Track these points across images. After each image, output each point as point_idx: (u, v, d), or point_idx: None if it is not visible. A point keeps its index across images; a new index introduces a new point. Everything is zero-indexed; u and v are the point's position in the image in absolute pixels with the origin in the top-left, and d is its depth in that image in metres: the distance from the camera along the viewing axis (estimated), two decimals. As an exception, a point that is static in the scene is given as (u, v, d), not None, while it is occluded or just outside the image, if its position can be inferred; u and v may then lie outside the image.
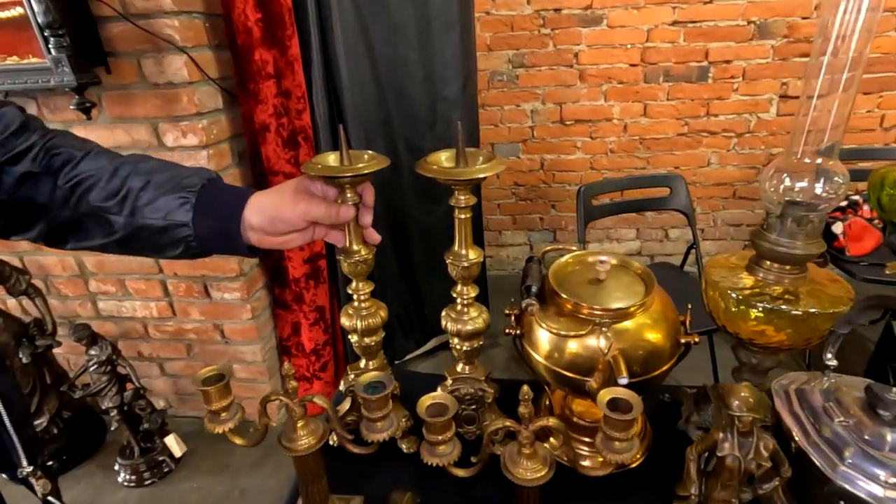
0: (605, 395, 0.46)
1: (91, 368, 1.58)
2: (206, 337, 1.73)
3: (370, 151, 0.61)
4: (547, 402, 0.76)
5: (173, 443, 1.72)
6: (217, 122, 1.45)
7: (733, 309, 0.60)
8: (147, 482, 1.67)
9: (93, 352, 1.57)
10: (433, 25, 1.67)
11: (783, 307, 0.56)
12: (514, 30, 2.36)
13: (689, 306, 0.64)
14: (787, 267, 0.58)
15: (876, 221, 1.99)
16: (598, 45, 2.34)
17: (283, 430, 0.55)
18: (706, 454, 0.49)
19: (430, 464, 0.49)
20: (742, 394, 0.44)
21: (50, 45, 1.15)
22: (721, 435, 0.45)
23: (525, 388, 0.46)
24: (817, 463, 0.41)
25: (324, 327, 1.79)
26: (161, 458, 1.69)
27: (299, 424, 0.55)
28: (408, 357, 2.09)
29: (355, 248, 0.64)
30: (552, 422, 0.48)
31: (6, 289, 1.55)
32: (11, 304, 1.73)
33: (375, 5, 1.55)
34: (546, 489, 0.61)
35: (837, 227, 1.82)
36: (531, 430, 0.48)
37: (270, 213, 0.52)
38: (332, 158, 0.60)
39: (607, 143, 2.53)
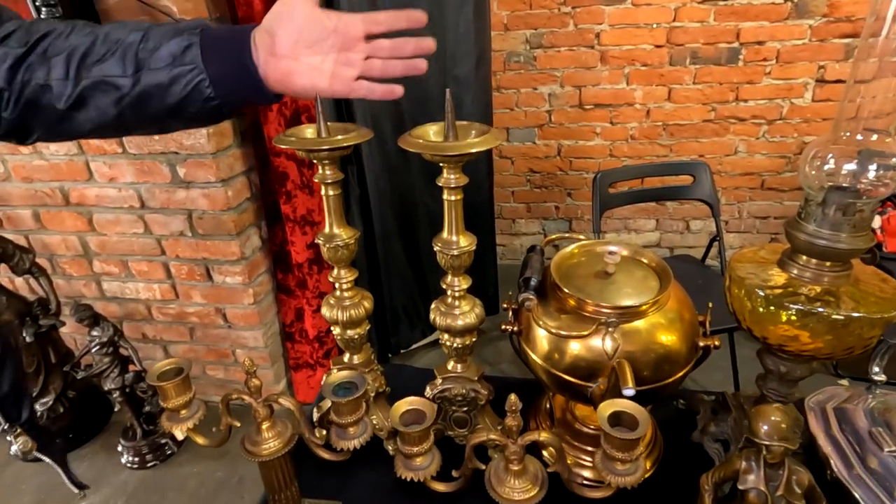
0: (607, 408, 0.40)
1: (93, 349, 1.57)
2: (209, 321, 1.71)
3: (353, 125, 0.54)
4: (547, 406, 0.70)
5: (175, 426, 1.71)
6: (217, 100, 1.40)
7: (762, 310, 0.52)
8: (149, 464, 1.67)
9: (95, 333, 1.55)
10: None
11: (821, 310, 0.49)
12: (533, 8, 2.24)
13: (710, 305, 0.57)
14: (828, 263, 0.50)
15: (917, 216, 1.86)
16: (622, 24, 2.21)
17: (245, 432, 0.50)
18: (725, 483, 0.42)
19: (404, 478, 0.43)
20: (773, 417, 0.37)
21: (41, 16, 1.11)
22: (744, 464, 0.38)
23: (513, 397, 0.40)
24: (860, 500, 0.34)
25: (327, 314, 1.75)
26: (163, 441, 1.69)
27: (264, 426, 0.49)
28: (413, 347, 2.04)
29: (336, 231, 0.57)
30: (544, 436, 0.42)
31: (10, 267, 1.54)
32: (19, 283, 1.72)
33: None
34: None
35: (875, 221, 1.70)
36: (520, 445, 0.42)
37: (275, 19, 0.46)
38: (309, 132, 0.54)
39: (628, 129, 2.41)
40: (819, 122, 2.28)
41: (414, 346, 2.04)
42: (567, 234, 0.63)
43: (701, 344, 0.55)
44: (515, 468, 0.43)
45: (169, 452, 1.70)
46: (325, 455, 0.48)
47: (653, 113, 2.36)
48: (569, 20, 2.24)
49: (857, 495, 0.35)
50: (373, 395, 0.64)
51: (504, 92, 2.43)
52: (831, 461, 0.37)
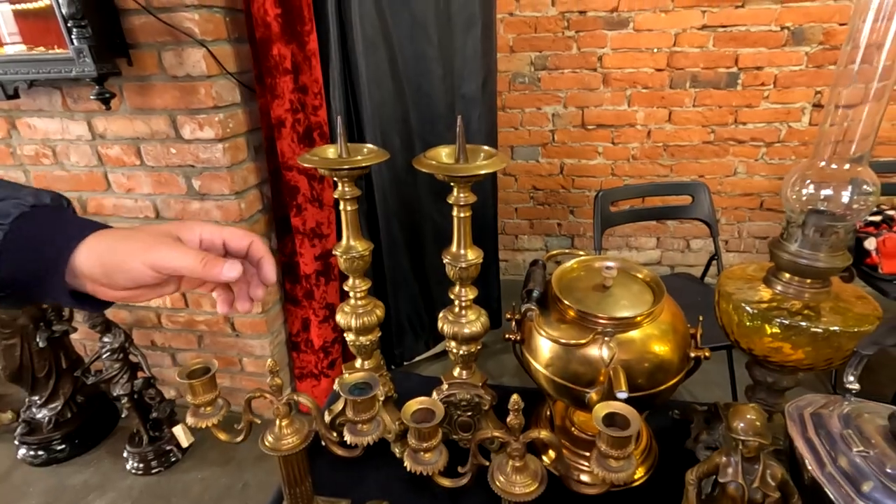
0: (602, 409, 0.43)
1: (104, 355, 1.60)
2: (217, 329, 1.75)
3: (370, 145, 0.59)
4: (548, 413, 0.73)
5: (181, 433, 1.73)
6: (234, 116, 1.46)
7: (748, 323, 0.56)
8: (154, 470, 1.69)
9: (106, 339, 1.59)
10: (454, 22, 1.66)
11: (802, 323, 0.52)
12: (538, 31, 2.32)
13: (701, 318, 0.61)
14: (808, 280, 0.54)
15: (912, 238, 1.89)
16: (624, 48, 2.29)
17: (266, 428, 0.54)
18: (708, 480, 0.46)
19: (414, 472, 0.46)
20: (748, 416, 0.40)
21: (73, 36, 1.17)
22: (724, 459, 0.42)
23: (515, 397, 0.44)
24: (831, 496, 0.37)
25: (333, 325, 1.78)
26: (168, 448, 1.71)
27: (283, 423, 0.53)
28: (417, 359, 2.07)
29: (352, 243, 0.62)
30: (545, 434, 0.45)
31: (26, 273, 1.58)
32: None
33: (397, 1, 1.54)
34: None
35: (870, 243, 1.73)
36: (522, 442, 0.45)
37: (109, 259, 0.40)
38: (330, 151, 0.58)
39: (630, 149, 2.47)
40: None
41: (418, 357, 2.07)
42: (568, 250, 0.67)
43: (692, 354, 0.59)
44: (517, 464, 0.46)
45: (174, 459, 1.72)
46: (340, 451, 0.52)
47: (654, 134, 2.42)
48: (572, 43, 2.32)
49: (828, 491, 0.38)
50: (381, 398, 0.68)
51: (509, 111, 2.49)
52: (806, 461, 0.40)
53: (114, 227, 0.43)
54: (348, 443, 0.49)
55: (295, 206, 1.59)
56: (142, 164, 1.50)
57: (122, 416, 1.73)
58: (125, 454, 1.70)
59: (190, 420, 0.52)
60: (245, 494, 1.61)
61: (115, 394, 1.64)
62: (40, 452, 1.72)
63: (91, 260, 0.40)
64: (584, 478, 0.63)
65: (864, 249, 1.75)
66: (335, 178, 0.58)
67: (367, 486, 0.65)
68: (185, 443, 1.74)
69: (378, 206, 1.74)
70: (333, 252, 0.62)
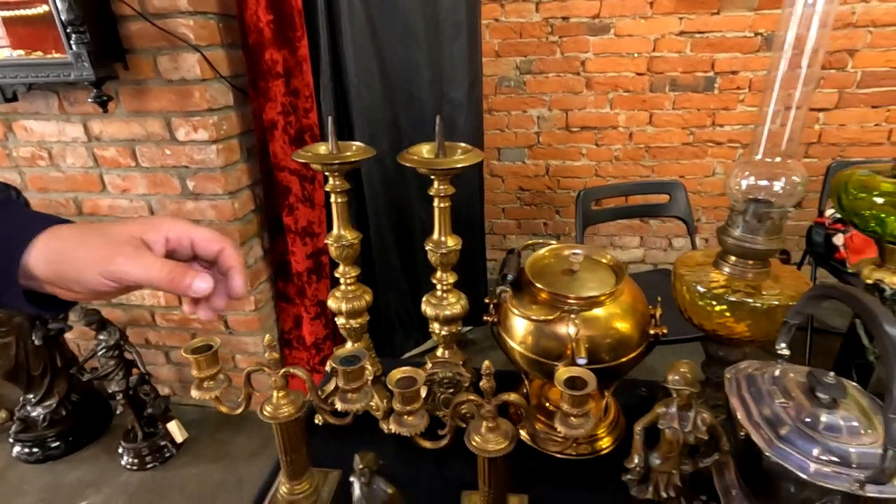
0: (564, 373, 0.49)
1: (99, 353, 1.64)
2: (211, 327, 1.78)
3: (358, 143, 0.65)
4: (525, 391, 0.79)
5: (175, 429, 1.77)
6: (227, 119, 1.51)
7: (699, 302, 0.62)
8: (149, 466, 1.72)
9: (101, 337, 1.63)
10: (442, 29, 1.72)
11: (745, 300, 0.59)
12: (523, 37, 2.39)
13: (659, 299, 0.67)
14: (750, 262, 0.60)
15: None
16: (606, 53, 2.36)
17: (264, 400, 0.59)
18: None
19: (397, 433, 0.52)
20: (681, 370, 0.47)
21: (71, 41, 1.21)
22: (663, 409, 0.48)
23: (487, 362, 0.50)
24: (755, 440, 0.43)
25: (324, 322, 1.83)
26: (163, 443, 1.74)
27: (280, 395, 0.58)
28: (407, 355, 2.12)
29: (342, 233, 0.68)
30: (513, 397, 0.51)
31: (22, 273, 1.61)
32: (27, 289, 1.80)
33: (386, 9, 1.60)
34: (522, 475, 0.64)
35: (838, 239, 1.82)
36: (493, 405, 0.51)
37: (60, 265, 0.36)
38: (322, 148, 0.64)
39: (613, 150, 2.55)
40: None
41: (408, 354, 2.12)
42: (541, 240, 0.73)
43: (651, 332, 0.65)
44: (490, 425, 0.52)
45: (168, 455, 1.75)
46: (331, 420, 0.57)
47: (635, 136, 2.50)
48: (556, 48, 2.39)
49: (753, 437, 0.44)
50: (370, 377, 0.73)
51: (496, 114, 2.56)
52: (737, 412, 0.46)
53: (70, 222, 0.39)
54: (339, 409, 0.55)
55: (287, 205, 1.64)
56: (137, 165, 1.54)
57: (117, 412, 1.76)
58: (120, 450, 1.73)
59: (194, 393, 0.58)
60: (239, 490, 1.65)
61: (110, 390, 1.67)
62: (35, 450, 1.74)
63: (41, 265, 0.36)
64: (556, 449, 0.69)
65: (833, 245, 1.84)
66: (326, 173, 0.63)
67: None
68: (179, 438, 1.77)
69: (368, 205, 1.79)
70: (325, 241, 0.68)
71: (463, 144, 0.62)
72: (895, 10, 2.14)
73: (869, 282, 0.60)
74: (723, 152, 2.47)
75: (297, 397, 0.59)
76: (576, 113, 2.50)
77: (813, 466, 0.41)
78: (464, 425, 0.54)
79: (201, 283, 0.39)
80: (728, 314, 0.59)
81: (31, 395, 1.74)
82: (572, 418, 0.49)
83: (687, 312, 0.64)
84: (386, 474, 0.65)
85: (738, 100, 2.36)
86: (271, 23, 1.45)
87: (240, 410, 0.60)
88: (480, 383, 0.51)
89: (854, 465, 0.41)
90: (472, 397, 0.52)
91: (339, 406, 0.54)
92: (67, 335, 1.79)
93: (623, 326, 0.64)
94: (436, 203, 0.63)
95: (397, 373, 0.52)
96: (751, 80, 2.31)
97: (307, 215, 1.68)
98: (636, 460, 0.51)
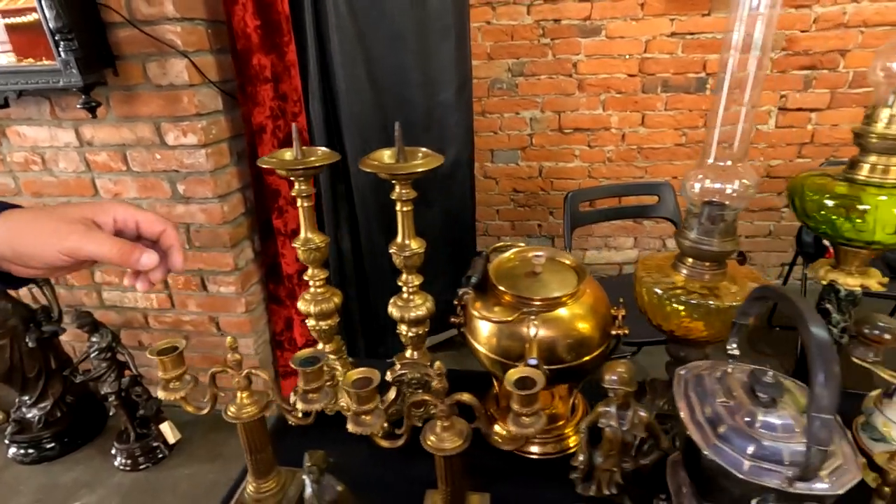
0: (514, 374, 0.50)
1: (92, 355, 1.66)
2: (203, 329, 1.80)
3: (323, 148, 0.66)
4: (494, 392, 0.80)
5: (168, 430, 1.79)
6: (216, 123, 1.53)
7: (657, 303, 0.63)
8: (142, 467, 1.74)
9: (94, 339, 1.65)
10: (430, 32, 1.73)
11: (702, 301, 0.60)
12: (515, 39, 2.41)
13: (621, 300, 0.68)
14: (707, 263, 0.61)
15: (869, 234, 1.98)
16: (597, 55, 2.37)
17: (228, 401, 0.60)
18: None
19: (355, 433, 0.53)
20: (618, 370, 0.48)
21: (60, 49, 1.24)
22: (603, 408, 0.49)
23: (438, 363, 0.51)
24: (695, 438, 0.44)
25: (316, 323, 1.84)
26: (155, 444, 1.76)
27: (244, 395, 0.59)
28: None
29: (310, 236, 0.69)
30: (466, 397, 0.52)
31: (16, 276, 1.64)
32: (23, 292, 1.82)
33: (373, 13, 1.62)
34: (488, 473, 0.65)
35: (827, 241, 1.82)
36: (447, 404, 0.52)
37: (17, 243, 0.40)
38: (287, 154, 0.65)
39: (605, 151, 2.56)
40: (783, 147, 2.43)
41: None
42: (509, 242, 0.74)
43: (613, 332, 0.66)
44: (445, 424, 0.53)
45: (161, 456, 1.77)
46: (293, 420, 0.59)
47: (628, 137, 2.51)
48: (548, 50, 2.40)
49: (692, 436, 0.45)
50: (341, 380, 0.75)
51: (489, 116, 2.57)
52: (680, 411, 0.47)
53: (20, 207, 0.43)
54: (299, 409, 0.56)
55: (276, 208, 1.66)
56: (128, 169, 1.57)
57: (110, 413, 1.78)
58: (113, 451, 1.75)
59: (161, 394, 0.59)
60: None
61: (102, 392, 1.69)
62: (31, 451, 1.76)
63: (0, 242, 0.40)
64: (534, 448, 0.70)
65: (823, 245, 1.84)
66: (291, 178, 0.65)
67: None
68: (171, 439, 1.79)
69: (358, 209, 1.81)
70: (293, 244, 0.69)
71: (423, 149, 0.63)
72: (886, 10, 2.14)
73: (824, 282, 0.60)
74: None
75: (261, 398, 0.60)
76: (568, 115, 2.51)
77: (746, 464, 0.42)
78: (419, 424, 0.55)
79: (148, 258, 0.44)
80: (684, 314, 0.60)
81: (27, 397, 1.76)
82: (523, 418, 0.50)
83: (647, 314, 0.65)
84: (355, 473, 0.66)
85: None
86: (258, 28, 1.47)
87: (205, 411, 0.61)
88: (433, 384, 0.52)
89: (787, 463, 0.41)
90: (426, 396, 0.53)
91: (299, 406, 0.56)
92: (62, 338, 1.81)
93: (584, 327, 0.65)
94: (398, 207, 0.64)
95: (354, 373, 0.53)
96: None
97: (297, 218, 1.69)
98: (580, 458, 0.52)
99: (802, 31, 2.20)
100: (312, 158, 0.63)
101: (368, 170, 0.60)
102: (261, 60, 1.50)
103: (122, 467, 1.73)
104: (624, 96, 2.43)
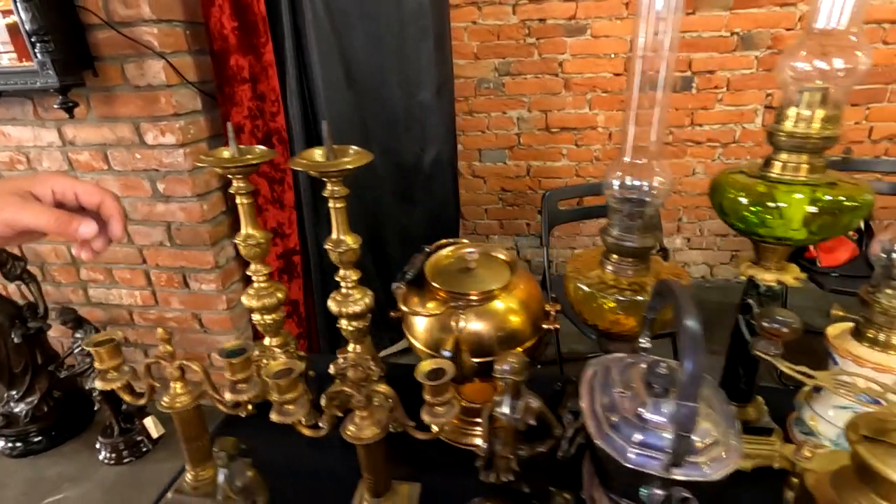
0: (426, 365, 0.52)
1: (76, 350, 1.69)
2: (186, 326, 1.83)
3: (261, 147, 0.68)
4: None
5: (151, 424, 1.82)
6: (195, 123, 1.55)
7: (584, 299, 0.64)
8: (125, 460, 1.77)
9: (78, 335, 1.68)
10: (408, 33, 1.75)
11: (627, 297, 0.61)
12: (501, 39, 2.42)
13: (554, 296, 0.69)
14: (630, 259, 0.62)
15: (851, 233, 1.97)
16: (583, 54, 2.38)
17: (162, 391, 0.62)
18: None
19: (277, 422, 0.55)
20: (509, 359, 0.49)
21: (36, 50, 1.26)
22: (498, 398, 0.50)
23: (351, 355, 0.52)
24: (590, 427, 0.46)
25: (297, 321, 1.87)
26: (139, 439, 1.79)
27: (178, 385, 0.61)
28: (382, 354, 2.15)
29: (251, 232, 0.71)
30: (382, 387, 0.54)
31: (2, 273, 1.68)
32: (11, 289, 1.86)
33: (350, 14, 1.64)
34: (422, 464, 0.67)
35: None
36: (363, 395, 0.54)
37: None
38: (226, 153, 0.67)
39: (593, 150, 2.56)
40: (769, 145, 2.42)
41: (383, 353, 2.15)
42: (453, 240, 0.76)
43: (544, 326, 0.68)
44: (363, 414, 0.55)
45: (144, 450, 1.80)
46: (223, 409, 0.61)
47: (615, 136, 2.51)
48: (534, 50, 2.41)
49: (586, 425, 0.46)
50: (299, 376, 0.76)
51: (476, 115, 2.59)
52: (582, 402, 0.49)
53: None
54: (228, 400, 0.58)
55: (256, 207, 1.67)
56: (109, 168, 1.59)
57: (95, 408, 1.81)
58: (98, 445, 1.78)
59: (98, 384, 0.61)
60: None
61: (87, 387, 1.73)
62: (18, 444, 1.80)
63: None
64: (478, 441, 0.71)
65: (803, 244, 1.84)
66: (229, 176, 0.67)
67: (267, 450, 0.73)
68: (155, 434, 1.82)
69: (338, 206, 1.82)
70: (234, 241, 0.71)
71: (354, 147, 0.65)
72: (874, 9, 2.12)
73: (744, 277, 0.61)
74: (702, 152, 2.48)
75: (195, 388, 0.62)
76: (555, 114, 2.52)
77: (632, 452, 0.43)
78: (340, 414, 0.57)
79: (86, 227, 0.45)
80: (607, 309, 0.61)
81: (14, 392, 1.80)
82: (436, 408, 0.52)
83: (575, 308, 0.66)
84: (297, 461, 0.68)
85: (717, 99, 2.36)
86: (236, 29, 1.49)
87: (143, 401, 0.63)
88: (349, 374, 0.53)
89: (669, 451, 0.43)
90: (345, 388, 0.54)
91: (228, 396, 0.58)
92: (50, 334, 1.85)
93: (515, 321, 0.66)
94: (331, 204, 0.66)
95: (275, 365, 0.55)
96: (728, 79, 2.31)
97: (277, 216, 1.72)
98: (482, 446, 0.54)
99: (787, 30, 2.20)
100: (249, 156, 0.65)
101: (299, 168, 0.61)
102: (238, 61, 1.52)
103: (106, 461, 1.77)
104: (610, 95, 2.44)
